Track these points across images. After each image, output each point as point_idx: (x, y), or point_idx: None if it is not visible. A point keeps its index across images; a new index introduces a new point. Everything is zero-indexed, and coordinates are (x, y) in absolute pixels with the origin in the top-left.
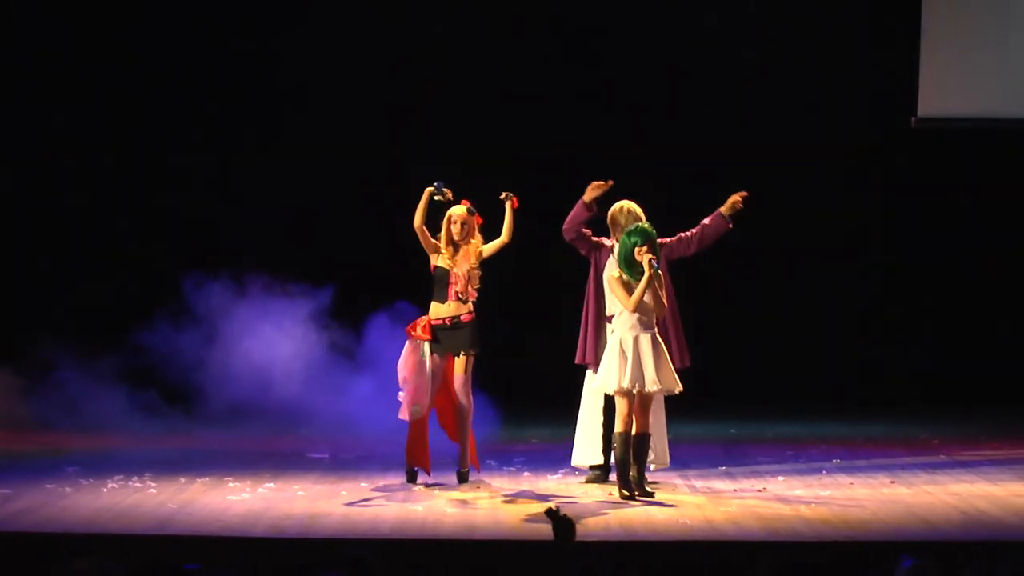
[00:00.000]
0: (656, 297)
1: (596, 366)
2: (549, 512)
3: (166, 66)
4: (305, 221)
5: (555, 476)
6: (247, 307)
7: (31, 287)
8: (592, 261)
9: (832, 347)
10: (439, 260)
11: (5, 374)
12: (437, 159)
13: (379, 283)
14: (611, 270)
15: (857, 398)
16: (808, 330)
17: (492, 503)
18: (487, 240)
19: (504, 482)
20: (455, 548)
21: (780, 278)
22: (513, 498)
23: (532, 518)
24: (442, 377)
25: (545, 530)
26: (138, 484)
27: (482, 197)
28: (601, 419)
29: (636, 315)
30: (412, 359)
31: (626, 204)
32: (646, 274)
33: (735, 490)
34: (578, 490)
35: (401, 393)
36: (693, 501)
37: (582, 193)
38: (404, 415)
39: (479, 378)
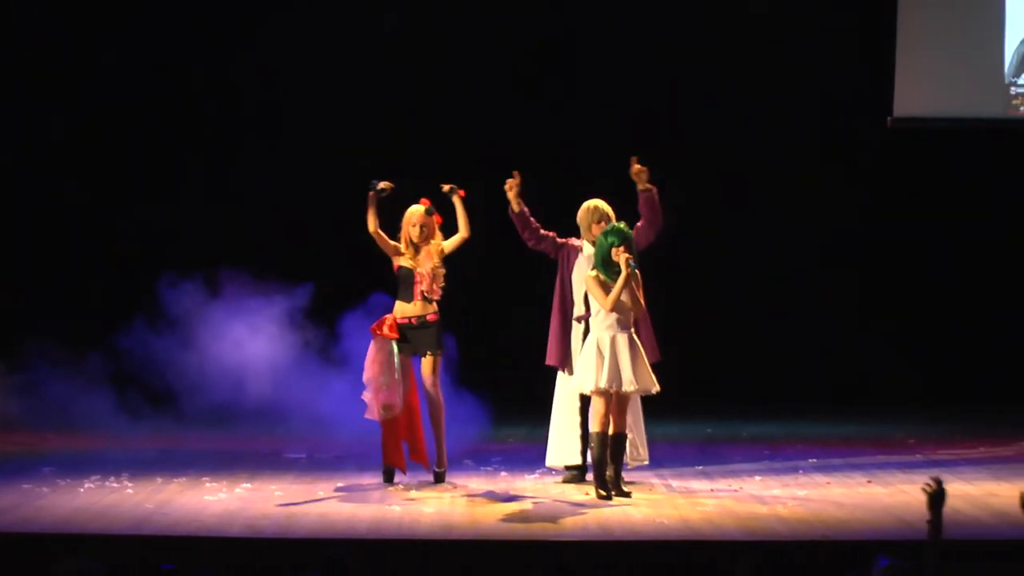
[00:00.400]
0: (633, 297)
1: (564, 367)
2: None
3: (146, 68)
4: (285, 219)
5: (532, 476)
6: (222, 306)
7: (5, 285)
8: (560, 261)
9: (809, 347)
10: (401, 261)
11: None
12: (412, 159)
13: (355, 281)
14: (581, 270)
15: (833, 398)
16: (784, 330)
17: (469, 503)
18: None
19: (481, 482)
20: (432, 548)
21: (756, 277)
22: (490, 498)
23: (509, 517)
24: (409, 377)
25: (521, 529)
26: (115, 484)
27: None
28: (577, 419)
29: (613, 315)
30: (379, 357)
31: (593, 203)
32: (623, 274)
33: (712, 490)
34: (555, 490)
35: (366, 392)
36: (670, 501)
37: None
38: (372, 415)
39: (466, 377)
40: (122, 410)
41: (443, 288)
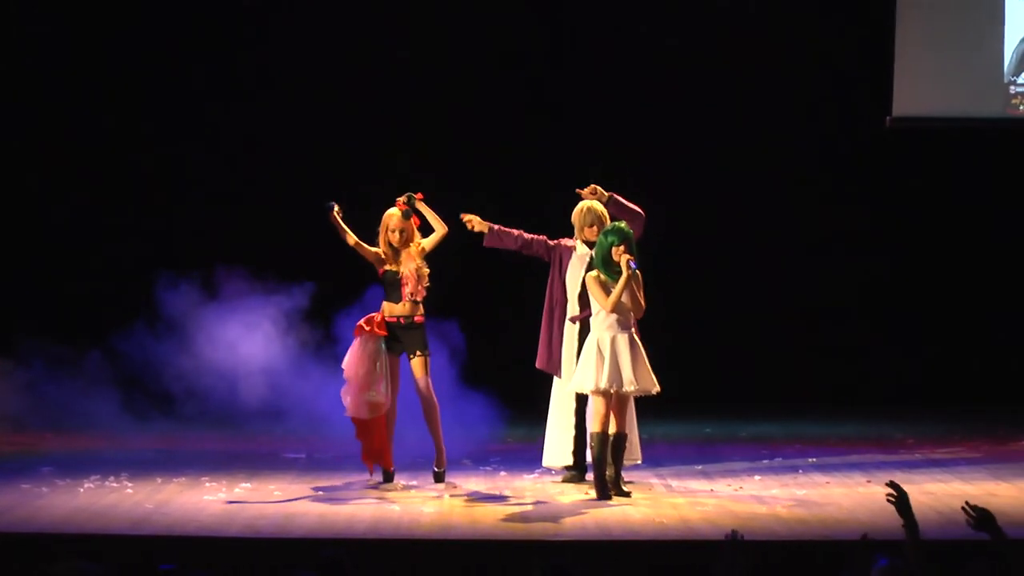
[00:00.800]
0: (634, 297)
1: (552, 370)
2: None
3: (145, 63)
4: (286, 217)
5: (531, 476)
6: (221, 307)
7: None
8: (553, 263)
9: (808, 347)
10: (385, 266)
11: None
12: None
13: (353, 281)
14: (575, 270)
15: (832, 398)
16: (784, 330)
17: (468, 503)
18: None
19: (480, 482)
20: (431, 548)
21: (755, 277)
22: (489, 498)
23: (508, 517)
24: (397, 376)
25: (520, 529)
26: (114, 484)
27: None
28: (572, 420)
29: (614, 315)
30: (364, 355)
31: (587, 204)
32: (624, 274)
33: (711, 490)
34: (554, 489)
35: (346, 390)
36: (669, 501)
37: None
38: (355, 412)
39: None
40: (122, 410)
41: (427, 288)
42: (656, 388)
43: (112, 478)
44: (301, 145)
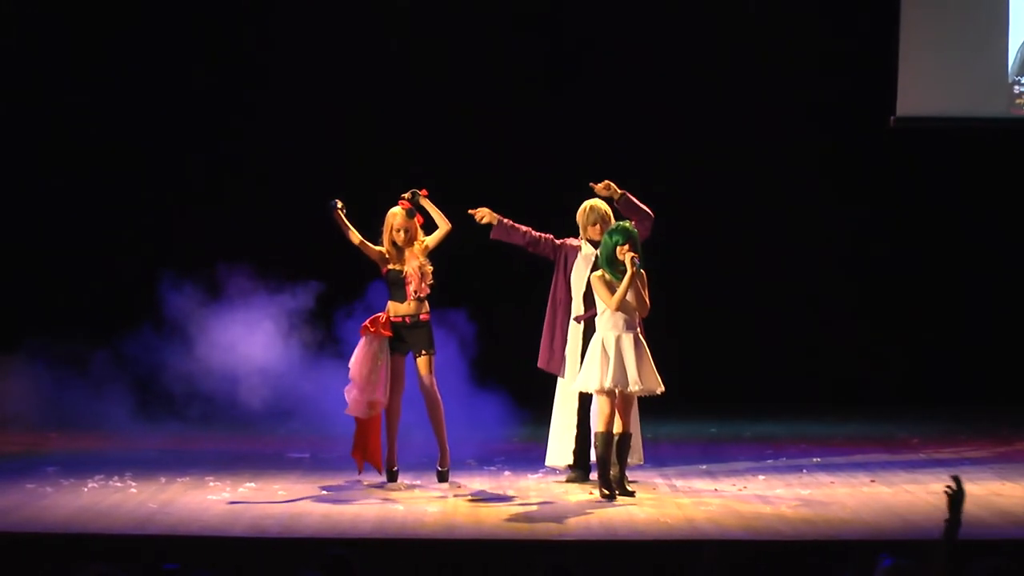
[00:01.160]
0: (639, 296)
1: (554, 370)
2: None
3: (149, 61)
4: (291, 217)
5: (535, 476)
6: (225, 306)
7: (7, 284)
8: (560, 262)
9: (812, 346)
10: (388, 265)
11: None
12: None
13: (358, 279)
14: (580, 270)
15: (837, 397)
16: (788, 330)
17: (472, 503)
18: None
19: (484, 482)
20: (435, 547)
21: (759, 277)
22: (493, 498)
23: (512, 517)
24: (402, 376)
25: (525, 529)
26: (119, 484)
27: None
28: (575, 419)
29: (619, 314)
30: (368, 354)
31: (591, 203)
32: (628, 273)
33: (715, 489)
34: (558, 490)
35: (351, 388)
36: (674, 500)
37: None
38: (355, 411)
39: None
40: (126, 411)
41: (431, 285)
42: (661, 388)
43: (116, 478)
44: (302, 146)
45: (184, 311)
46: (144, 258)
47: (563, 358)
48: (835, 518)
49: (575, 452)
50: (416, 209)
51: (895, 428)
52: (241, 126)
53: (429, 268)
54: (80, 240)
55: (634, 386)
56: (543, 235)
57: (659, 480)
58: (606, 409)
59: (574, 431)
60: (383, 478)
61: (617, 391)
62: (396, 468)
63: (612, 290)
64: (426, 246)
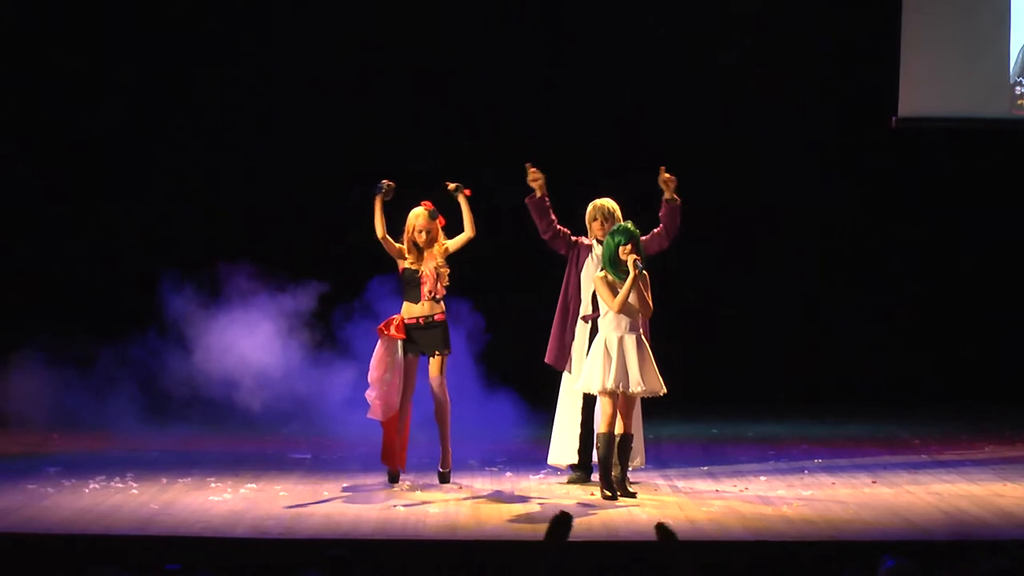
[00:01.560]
0: (641, 297)
1: (561, 365)
2: (561, 515)
3: (149, 61)
4: (289, 219)
5: (537, 476)
6: (226, 307)
7: (9, 282)
8: (571, 259)
9: (813, 346)
10: (405, 263)
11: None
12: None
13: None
14: (590, 269)
15: (839, 398)
16: (789, 330)
17: (474, 503)
18: (450, 237)
19: (486, 482)
20: (437, 548)
21: (761, 277)
22: (495, 498)
23: (514, 518)
24: (414, 378)
25: (527, 530)
26: (120, 485)
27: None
28: (579, 418)
29: (621, 315)
30: (385, 358)
31: (599, 201)
32: (631, 274)
33: (717, 490)
34: (560, 490)
35: (370, 392)
36: (675, 501)
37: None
38: (375, 414)
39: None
40: (126, 411)
41: (447, 287)
42: (663, 389)
43: (117, 479)
44: (305, 145)
45: (185, 312)
46: (146, 258)
47: (570, 355)
48: (837, 519)
49: (579, 451)
50: (462, 195)
51: (897, 429)
52: (241, 126)
53: (446, 271)
54: (80, 240)
55: (636, 387)
56: (563, 228)
57: (661, 481)
58: (608, 410)
59: (578, 430)
60: (387, 479)
61: (619, 392)
62: (398, 470)
63: (615, 291)
64: (446, 248)
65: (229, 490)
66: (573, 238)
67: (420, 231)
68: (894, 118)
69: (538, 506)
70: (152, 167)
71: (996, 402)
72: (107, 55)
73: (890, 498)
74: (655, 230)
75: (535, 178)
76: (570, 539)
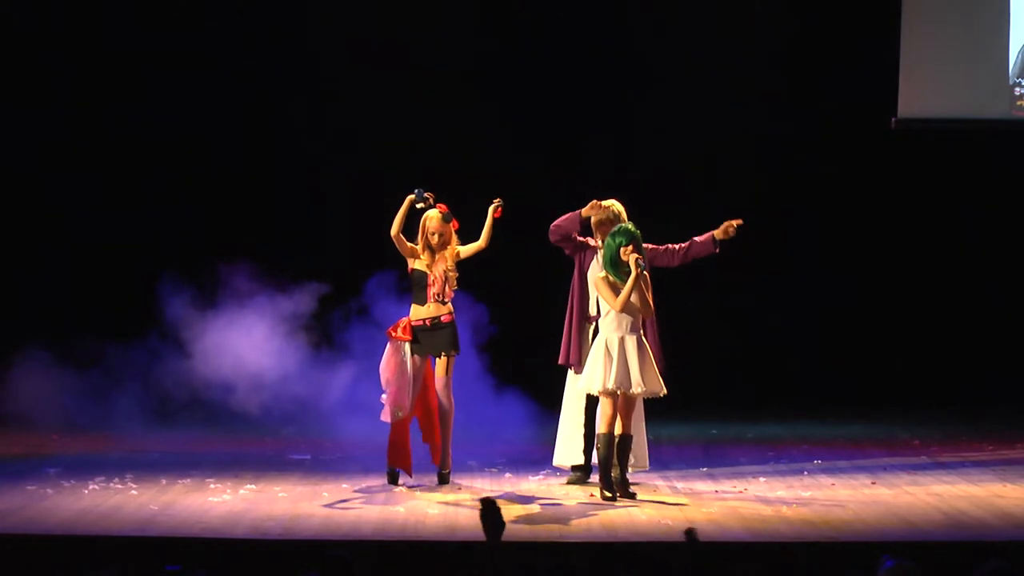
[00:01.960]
0: (642, 298)
1: (578, 367)
2: (485, 501)
3: (150, 61)
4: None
5: (536, 477)
6: (226, 308)
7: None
8: (576, 261)
9: (813, 348)
10: (416, 263)
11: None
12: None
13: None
14: (596, 270)
15: (838, 399)
16: (789, 331)
17: (474, 504)
18: (465, 241)
19: (486, 483)
20: (437, 549)
21: (760, 278)
22: (495, 499)
23: (514, 519)
24: (422, 379)
25: (526, 530)
26: (119, 486)
27: (470, 200)
28: (582, 419)
29: (622, 316)
30: (394, 360)
31: (605, 203)
32: (632, 274)
33: (716, 491)
34: (560, 491)
35: (384, 395)
36: (675, 502)
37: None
38: (387, 417)
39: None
40: (125, 412)
41: (455, 290)
42: (663, 390)
43: (117, 480)
44: (307, 146)
45: (185, 313)
46: (146, 259)
47: (580, 355)
48: (836, 519)
49: (585, 452)
50: (494, 211)
51: (897, 429)
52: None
53: (454, 275)
54: (81, 241)
55: (636, 388)
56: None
57: (660, 482)
58: (608, 411)
59: (583, 431)
60: (387, 479)
61: (619, 392)
62: (398, 470)
63: (616, 291)
64: (457, 253)
65: (229, 491)
66: (580, 240)
67: (433, 233)
68: (894, 119)
69: (537, 506)
70: (152, 167)
71: (996, 403)
72: (107, 55)
73: (890, 499)
74: (673, 245)
75: (595, 206)
76: (570, 540)
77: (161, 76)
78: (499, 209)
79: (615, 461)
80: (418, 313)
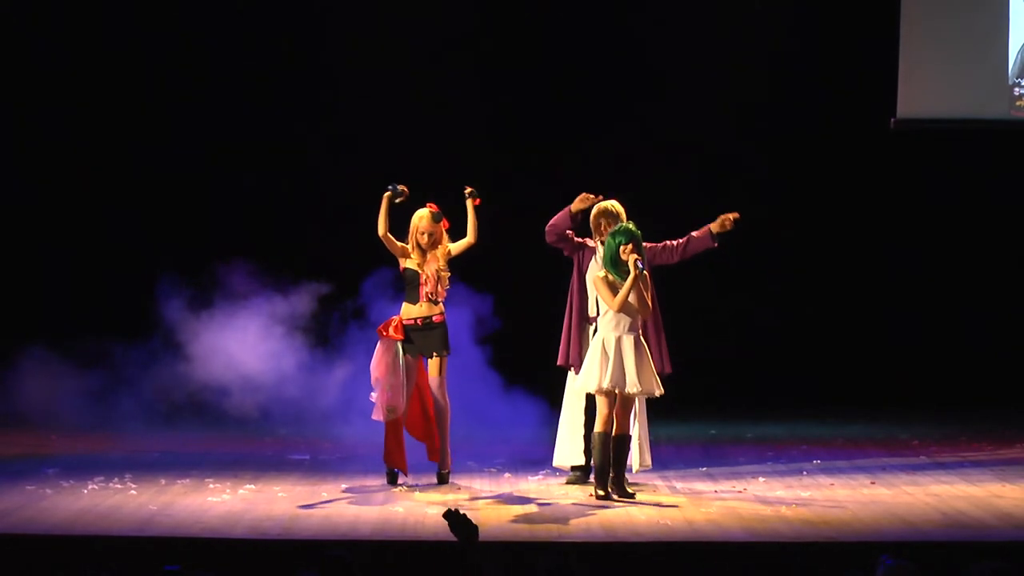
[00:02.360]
0: (641, 298)
1: (578, 367)
2: (448, 514)
3: (149, 62)
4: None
5: (535, 477)
6: (227, 307)
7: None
8: (575, 261)
9: (812, 348)
10: (407, 262)
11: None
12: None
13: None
14: (595, 270)
15: (837, 399)
16: (788, 331)
17: (472, 504)
18: (454, 239)
19: (484, 483)
20: (436, 549)
21: (759, 278)
22: (493, 499)
23: (513, 519)
24: (415, 378)
25: (525, 530)
26: (118, 486)
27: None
28: (582, 419)
29: (620, 316)
30: (385, 359)
31: (606, 204)
32: (631, 274)
33: (716, 491)
34: (558, 491)
35: (373, 394)
36: (674, 502)
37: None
38: (378, 416)
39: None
40: (125, 412)
41: (447, 289)
42: (659, 390)
43: (116, 480)
44: (308, 147)
45: (184, 314)
46: (146, 260)
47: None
48: (835, 520)
49: (586, 452)
50: (472, 202)
51: (896, 430)
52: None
53: (447, 274)
54: (81, 241)
55: (633, 387)
56: (569, 231)
57: (659, 482)
58: (604, 410)
59: (583, 431)
60: (386, 479)
61: (616, 392)
62: (396, 470)
63: (615, 291)
64: (448, 252)
65: (228, 491)
66: (577, 240)
67: (423, 233)
68: (893, 119)
69: (536, 506)
70: (152, 168)
71: (995, 403)
72: (107, 56)
73: (889, 499)
74: (671, 242)
75: (585, 198)
76: (568, 540)
77: (161, 77)
78: (477, 199)
79: (612, 461)
80: (410, 312)
